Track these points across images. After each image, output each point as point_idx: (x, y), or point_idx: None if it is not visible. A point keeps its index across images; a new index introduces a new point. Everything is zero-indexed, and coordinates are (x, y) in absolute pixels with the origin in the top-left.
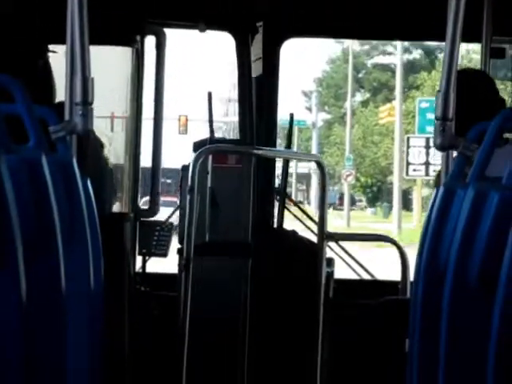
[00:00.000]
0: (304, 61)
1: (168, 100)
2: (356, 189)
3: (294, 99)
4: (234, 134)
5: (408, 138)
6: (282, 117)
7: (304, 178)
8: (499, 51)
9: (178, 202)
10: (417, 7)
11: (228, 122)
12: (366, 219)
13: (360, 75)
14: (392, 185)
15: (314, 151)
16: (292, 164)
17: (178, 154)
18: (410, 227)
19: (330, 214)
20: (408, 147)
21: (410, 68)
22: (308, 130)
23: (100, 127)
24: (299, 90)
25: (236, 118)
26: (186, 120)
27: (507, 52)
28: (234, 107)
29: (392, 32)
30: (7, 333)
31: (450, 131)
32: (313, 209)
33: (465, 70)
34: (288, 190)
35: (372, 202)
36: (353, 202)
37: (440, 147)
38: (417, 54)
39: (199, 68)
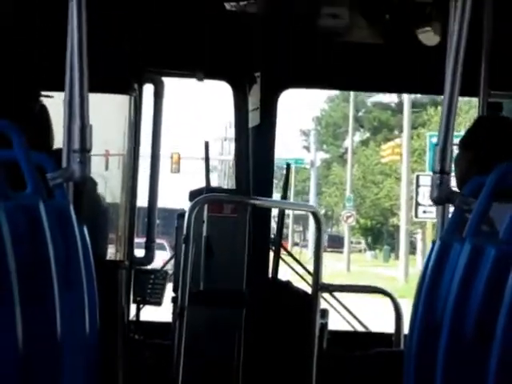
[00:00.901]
0: (302, 99)
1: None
2: (355, 231)
3: (292, 138)
4: (229, 172)
5: (418, 176)
6: (280, 155)
7: (301, 220)
8: (496, 105)
9: (167, 245)
10: (414, 61)
11: (224, 161)
12: (365, 263)
13: (360, 114)
14: (394, 227)
15: (312, 191)
16: None
17: (169, 193)
18: (415, 272)
19: (328, 256)
20: (417, 186)
21: (412, 106)
22: (305, 171)
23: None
24: (297, 129)
25: (231, 157)
26: (179, 158)
27: (504, 106)
28: (230, 146)
29: (389, 85)
30: (4, 380)
31: (447, 184)
32: (309, 252)
33: (488, 116)
34: (284, 231)
35: (372, 244)
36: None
37: (437, 200)
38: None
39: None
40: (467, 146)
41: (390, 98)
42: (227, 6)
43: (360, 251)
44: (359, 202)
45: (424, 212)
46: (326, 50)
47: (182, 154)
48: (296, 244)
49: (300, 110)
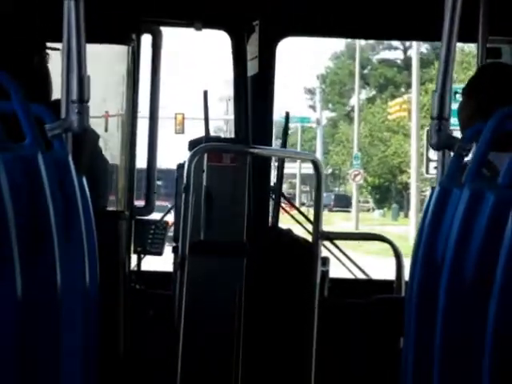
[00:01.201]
0: (306, 57)
1: (164, 98)
2: (362, 189)
3: (297, 97)
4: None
5: (428, 132)
6: (284, 114)
7: (308, 179)
8: (495, 51)
9: (169, 205)
10: (413, 7)
11: (229, 120)
12: (374, 222)
13: (365, 71)
14: (402, 185)
15: (318, 150)
16: (296, 165)
17: (173, 154)
18: None
19: (335, 216)
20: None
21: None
22: (311, 130)
23: (95, 125)
24: (302, 88)
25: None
26: (183, 118)
27: (503, 52)
28: None
29: (388, 31)
30: (3, 331)
31: (446, 131)
32: None
33: (492, 63)
34: (291, 191)
35: (380, 203)
36: (349, 204)
37: (435, 147)
38: (423, 48)
39: (197, 65)
40: (469, 94)
41: (396, 55)
42: None
43: (368, 210)
44: (366, 160)
45: (435, 168)
46: None
47: (187, 114)
48: (303, 204)
49: (304, 68)
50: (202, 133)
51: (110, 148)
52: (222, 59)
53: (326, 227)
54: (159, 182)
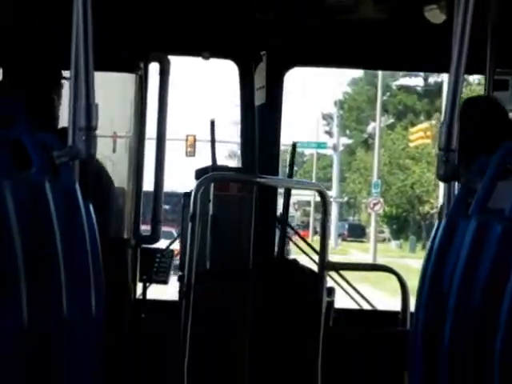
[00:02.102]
0: (324, 82)
1: (176, 120)
2: (378, 219)
3: (313, 122)
4: None
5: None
6: (301, 139)
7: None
8: (502, 83)
9: (175, 233)
10: (421, 39)
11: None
12: (391, 253)
13: (384, 98)
14: (421, 216)
15: (335, 177)
16: (311, 192)
17: (183, 177)
18: None
19: (350, 246)
20: None
21: (438, 91)
22: (326, 158)
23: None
24: (319, 113)
25: None
26: (194, 140)
27: (510, 84)
28: None
29: (397, 62)
30: (8, 357)
31: (453, 162)
32: (332, 242)
33: (475, 97)
34: (305, 218)
35: (396, 233)
36: (363, 234)
37: (443, 178)
38: (443, 76)
39: (210, 88)
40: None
41: (416, 82)
42: None
43: (383, 240)
44: (384, 189)
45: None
46: (331, 28)
47: (198, 136)
48: (316, 232)
49: (321, 93)
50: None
51: (118, 171)
52: (235, 84)
53: (343, 258)
54: (166, 206)
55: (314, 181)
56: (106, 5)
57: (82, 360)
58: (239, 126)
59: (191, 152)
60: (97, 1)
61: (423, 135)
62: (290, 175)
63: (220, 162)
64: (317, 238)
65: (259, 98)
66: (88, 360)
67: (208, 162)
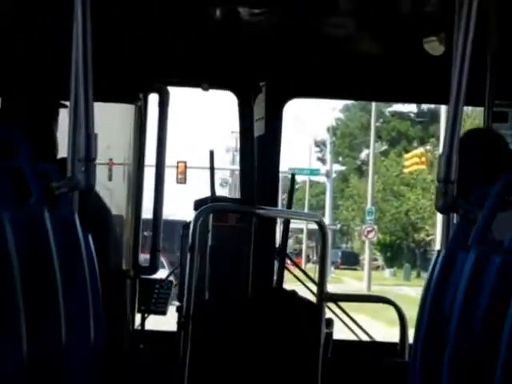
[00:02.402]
0: (316, 108)
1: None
2: (373, 246)
3: (305, 149)
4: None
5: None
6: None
7: (314, 235)
8: (501, 115)
9: (165, 263)
10: (420, 70)
11: (235, 171)
12: (385, 281)
13: (377, 124)
14: (416, 243)
15: (328, 204)
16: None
17: (174, 205)
18: None
19: (344, 274)
20: None
21: (431, 118)
22: (318, 185)
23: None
24: (311, 140)
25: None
26: (185, 167)
27: (509, 116)
28: None
29: (397, 94)
30: (7, 380)
31: (452, 194)
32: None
33: (476, 129)
34: (297, 246)
35: (390, 261)
36: (356, 262)
37: (441, 210)
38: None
39: (203, 113)
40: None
41: (410, 108)
42: (242, 12)
43: (377, 268)
44: (378, 216)
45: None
46: (331, 60)
47: (189, 163)
48: (308, 260)
49: (313, 119)
50: (205, 183)
51: (116, 200)
52: (229, 111)
53: (337, 286)
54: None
55: (306, 208)
56: (106, 36)
57: None
58: (232, 154)
59: (182, 179)
60: (97, 31)
61: (418, 161)
62: (289, 206)
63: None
64: (310, 265)
65: (258, 128)
66: None
67: (199, 189)
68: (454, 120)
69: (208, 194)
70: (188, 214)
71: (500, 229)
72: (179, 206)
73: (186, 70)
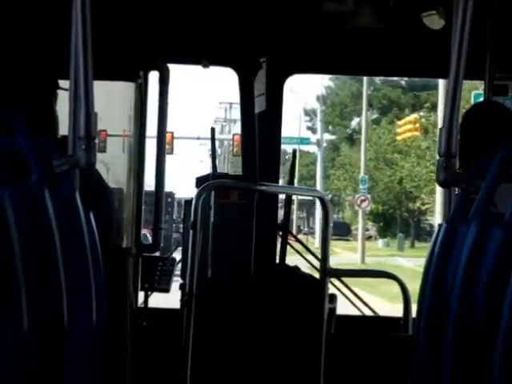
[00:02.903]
0: (305, 77)
1: (151, 116)
2: (365, 216)
3: (295, 119)
4: (229, 156)
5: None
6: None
7: (305, 206)
8: (502, 88)
9: (149, 236)
10: (419, 45)
11: (223, 143)
12: (378, 252)
13: (368, 92)
14: (409, 212)
15: (318, 173)
16: None
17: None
18: None
19: (336, 245)
20: None
21: (423, 86)
22: (308, 155)
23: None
24: (300, 109)
25: (230, 136)
26: (172, 138)
27: (510, 89)
28: (230, 128)
29: (394, 68)
30: (9, 368)
31: (453, 167)
32: (316, 241)
33: (481, 102)
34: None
35: (383, 231)
36: (349, 232)
37: (443, 183)
38: None
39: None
40: (461, 130)
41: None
42: None
43: (368, 238)
44: (370, 185)
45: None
46: (331, 35)
47: (176, 133)
48: (300, 231)
49: (303, 88)
50: (191, 153)
51: (118, 179)
52: (218, 82)
53: (332, 258)
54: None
55: (296, 178)
56: (105, 14)
57: (82, 369)
58: (219, 124)
59: (168, 149)
60: (96, 10)
61: (412, 127)
62: (291, 182)
63: (194, 158)
64: (300, 236)
65: (259, 105)
66: (88, 369)
67: (186, 160)
68: (454, 93)
69: (194, 164)
70: (173, 186)
71: (503, 200)
72: (167, 177)
73: (186, 47)
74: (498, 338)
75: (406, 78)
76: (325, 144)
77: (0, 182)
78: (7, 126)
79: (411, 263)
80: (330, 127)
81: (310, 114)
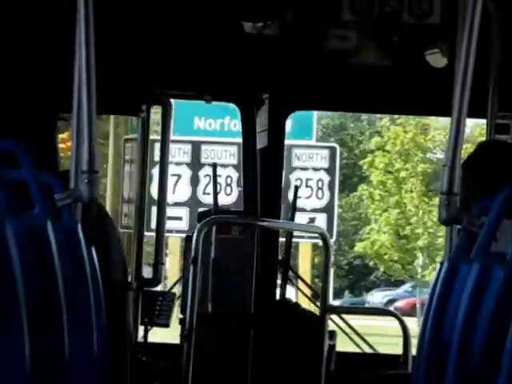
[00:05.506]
0: None
1: None
2: None
3: None
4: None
5: None
6: None
7: None
8: (504, 127)
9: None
10: (422, 83)
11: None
12: None
13: None
14: None
15: None
16: None
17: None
18: None
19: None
20: None
21: None
22: None
23: None
24: None
25: None
26: None
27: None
28: None
29: (399, 107)
30: None
31: (455, 205)
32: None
33: (492, 141)
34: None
35: None
36: None
37: (445, 221)
38: None
39: None
40: (467, 168)
41: None
42: (246, 26)
43: None
44: None
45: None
46: (333, 72)
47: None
48: None
49: None
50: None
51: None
52: None
53: None
54: None
55: None
56: (109, 48)
57: None
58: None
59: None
60: (99, 43)
61: None
62: (292, 218)
63: None
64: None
65: (261, 140)
66: None
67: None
68: (457, 132)
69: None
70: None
71: (504, 236)
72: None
73: (189, 83)
74: (501, 377)
75: None
76: None
77: (3, 213)
78: (12, 157)
79: None
80: None
81: None
